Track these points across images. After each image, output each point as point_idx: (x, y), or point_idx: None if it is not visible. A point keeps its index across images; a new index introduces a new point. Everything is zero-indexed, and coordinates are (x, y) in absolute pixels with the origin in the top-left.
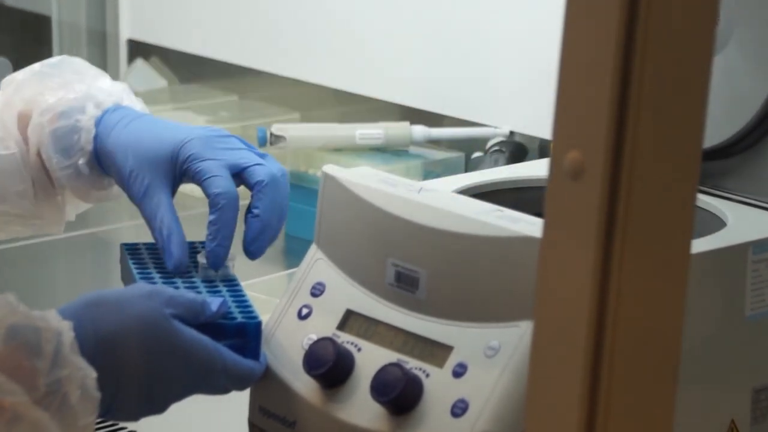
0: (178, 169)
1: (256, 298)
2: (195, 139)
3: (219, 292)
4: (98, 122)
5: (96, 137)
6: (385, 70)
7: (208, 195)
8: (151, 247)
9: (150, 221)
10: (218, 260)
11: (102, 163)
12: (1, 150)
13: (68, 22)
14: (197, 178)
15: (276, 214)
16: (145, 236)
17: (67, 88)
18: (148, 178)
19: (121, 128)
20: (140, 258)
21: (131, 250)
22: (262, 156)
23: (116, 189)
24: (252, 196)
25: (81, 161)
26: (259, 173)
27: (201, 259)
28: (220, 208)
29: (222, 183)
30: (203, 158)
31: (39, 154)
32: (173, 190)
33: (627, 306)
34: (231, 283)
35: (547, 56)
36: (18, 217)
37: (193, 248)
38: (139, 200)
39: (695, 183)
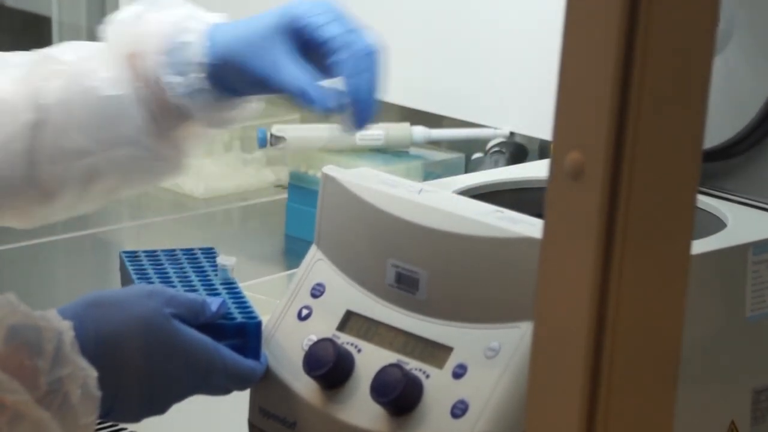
0: (291, 32)
1: (256, 299)
2: (300, 2)
3: (218, 294)
4: (208, 35)
5: (210, 48)
6: (386, 71)
7: (324, 41)
8: (150, 254)
9: (290, 86)
10: (364, 97)
11: (220, 74)
12: (113, 91)
13: (68, 23)
14: (309, 31)
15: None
16: (145, 239)
17: (166, 12)
18: (272, 55)
19: (233, 28)
20: (140, 264)
21: (130, 257)
22: (354, 30)
23: (237, 112)
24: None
25: (196, 76)
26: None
27: (223, 261)
28: (343, 47)
29: (338, 27)
30: (311, 14)
31: (153, 87)
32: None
33: (627, 307)
34: (230, 285)
35: (548, 57)
36: (138, 161)
37: (191, 254)
38: (269, 74)
39: (695, 184)
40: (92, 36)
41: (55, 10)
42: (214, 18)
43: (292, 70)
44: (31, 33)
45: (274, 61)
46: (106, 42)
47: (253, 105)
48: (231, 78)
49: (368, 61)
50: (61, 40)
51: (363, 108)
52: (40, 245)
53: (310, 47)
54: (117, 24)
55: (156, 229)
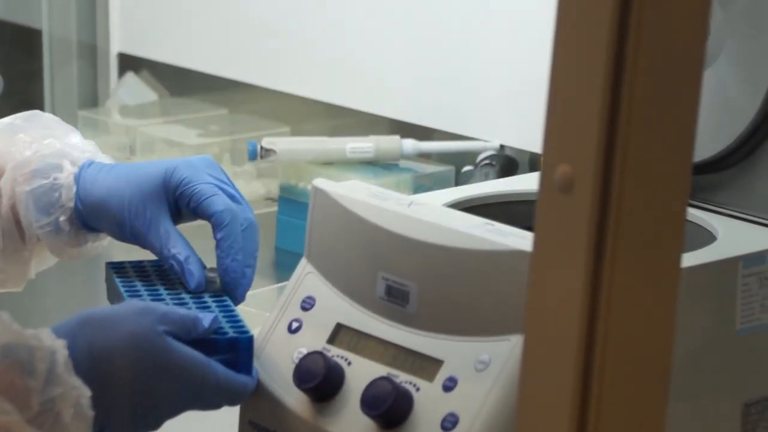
0: (172, 197)
1: (246, 312)
2: (181, 165)
3: (209, 308)
4: (77, 178)
5: (77, 193)
6: (376, 84)
7: (210, 215)
8: (137, 266)
9: (162, 250)
10: (236, 276)
11: (87, 218)
12: None
13: (59, 36)
14: (194, 201)
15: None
16: (135, 254)
17: (40, 143)
18: (149, 212)
19: (105, 176)
20: (127, 277)
21: (117, 269)
22: (237, 200)
23: (91, 246)
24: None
25: (62, 218)
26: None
27: (210, 274)
28: (226, 225)
29: (222, 200)
30: (196, 182)
31: (11, 209)
32: (175, 220)
33: (617, 319)
34: (219, 298)
35: (538, 70)
36: None
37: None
38: (145, 234)
39: (685, 197)
40: (83, 49)
41: (46, 23)
42: (89, 153)
43: (172, 239)
44: (21, 46)
45: (151, 223)
46: None
47: (107, 241)
48: (97, 223)
49: (246, 239)
50: (52, 52)
51: (233, 287)
52: None
53: (186, 206)
54: None
55: None
